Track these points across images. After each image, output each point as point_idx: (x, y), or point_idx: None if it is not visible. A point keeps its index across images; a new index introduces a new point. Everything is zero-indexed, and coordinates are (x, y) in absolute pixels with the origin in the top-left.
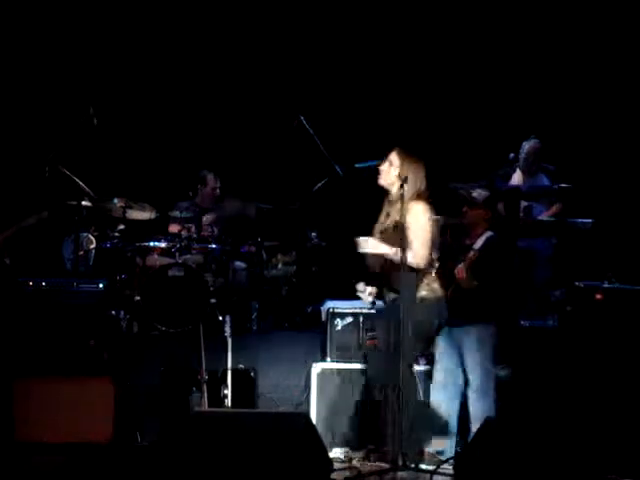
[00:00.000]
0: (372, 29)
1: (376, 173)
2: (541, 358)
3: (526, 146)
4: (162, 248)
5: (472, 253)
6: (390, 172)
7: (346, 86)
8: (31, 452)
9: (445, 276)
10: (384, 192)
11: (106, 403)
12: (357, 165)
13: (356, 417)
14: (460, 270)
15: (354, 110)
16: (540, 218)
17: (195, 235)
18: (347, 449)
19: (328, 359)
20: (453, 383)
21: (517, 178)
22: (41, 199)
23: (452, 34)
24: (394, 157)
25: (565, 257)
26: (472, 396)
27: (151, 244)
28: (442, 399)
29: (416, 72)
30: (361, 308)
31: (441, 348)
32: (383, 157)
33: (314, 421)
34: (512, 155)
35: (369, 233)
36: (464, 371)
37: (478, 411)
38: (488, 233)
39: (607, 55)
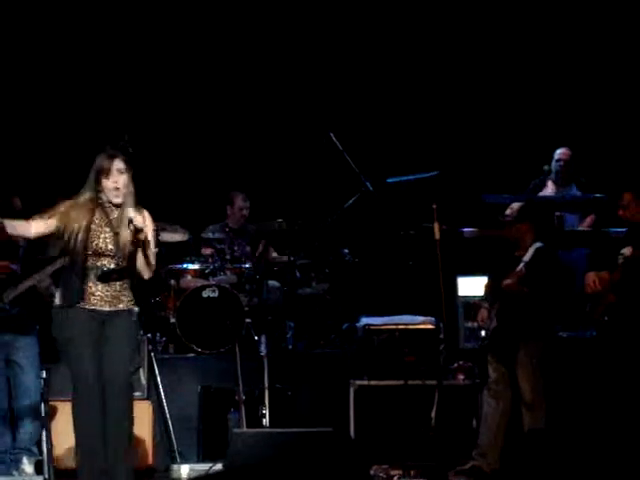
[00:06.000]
0: (400, 45)
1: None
2: (580, 369)
3: (557, 157)
4: (195, 270)
5: (521, 266)
6: None
7: (376, 101)
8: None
9: (494, 290)
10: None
11: (145, 427)
12: (389, 180)
13: (394, 434)
14: (509, 283)
15: (385, 126)
16: (575, 229)
17: (228, 256)
18: (386, 466)
19: (365, 376)
20: (503, 398)
21: (549, 189)
22: None
23: (485, 49)
24: None
25: (600, 267)
26: (524, 410)
27: (184, 266)
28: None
29: (449, 86)
30: (397, 324)
31: (492, 365)
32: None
33: (353, 438)
34: (547, 167)
35: (400, 248)
36: (516, 386)
37: (529, 426)
38: (537, 244)
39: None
